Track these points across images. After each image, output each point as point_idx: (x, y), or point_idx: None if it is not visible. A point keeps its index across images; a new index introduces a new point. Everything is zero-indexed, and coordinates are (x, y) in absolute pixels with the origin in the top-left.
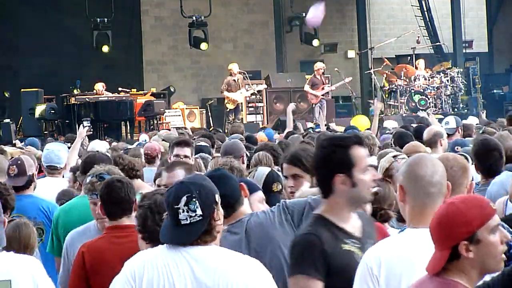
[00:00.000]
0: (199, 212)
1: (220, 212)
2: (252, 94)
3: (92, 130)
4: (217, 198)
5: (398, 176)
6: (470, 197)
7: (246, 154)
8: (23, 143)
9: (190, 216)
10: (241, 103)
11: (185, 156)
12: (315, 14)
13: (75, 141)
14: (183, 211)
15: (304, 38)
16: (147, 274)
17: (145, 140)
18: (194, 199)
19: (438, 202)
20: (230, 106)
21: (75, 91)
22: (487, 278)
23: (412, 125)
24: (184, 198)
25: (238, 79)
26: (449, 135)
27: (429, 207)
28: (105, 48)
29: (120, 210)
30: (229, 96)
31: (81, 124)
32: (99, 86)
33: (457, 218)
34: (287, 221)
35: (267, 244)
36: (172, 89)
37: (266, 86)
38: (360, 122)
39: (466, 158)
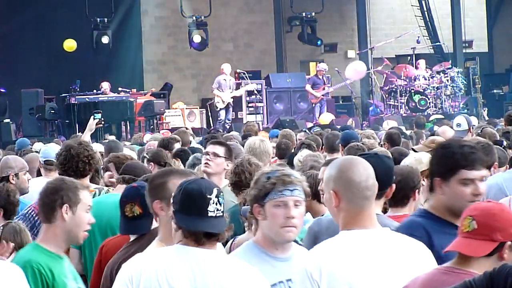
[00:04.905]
0: (223, 207)
1: None
2: (249, 94)
3: (103, 122)
4: None
5: (328, 182)
6: None
7: None
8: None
9: (217, 209)
10: (230, 102)
11: (215, 154)
12: (356, 73)
13: (85, 132)
14: (213, 203)
15: (307, 38)
16: (144, 276)
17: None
18: (221, 193)
19: (373, 204)
20: (220, 105)
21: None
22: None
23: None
24: (215, 190)
25: (230, 80)
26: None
27: (366, 210)
28: (105, 48)
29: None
30: (219, 94)
31: (92, 116)
32: (105, 85)
33: None
34: None
35: None
36: (169, 85)
37: (257, 87)
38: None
39: None
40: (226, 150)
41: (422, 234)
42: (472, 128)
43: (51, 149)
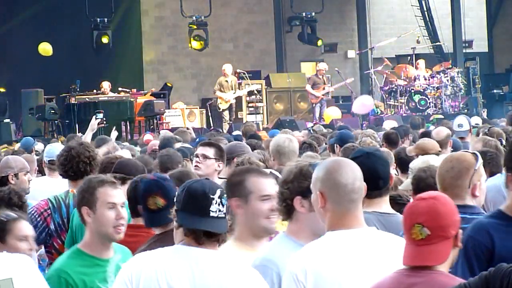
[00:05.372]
0: (226, 208)
1: None
2: (248, 94)
3: (105, 122)
4: None
5: (316, 183)
6: None
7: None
8: (18, 144)
9: (220, 210)
10: (233, 103)
11: (205, 156)
12: (363, 107)
13: (86, 132)
14: (216, 203)
15: (307, 38)
16: (144, 275)
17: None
18: (225, 194)
19: (359, 206)
20: (222, 106)
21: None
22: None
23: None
24: (219, 191)
25: (232, 81)
26: (462, 138)
27: (352, 212)
28: (105, 48)
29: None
30: (221, 96)
31: (94, 116)
32: (105, 85)
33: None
34: None
35: None
36: (169, 85)
37: (258, 87)
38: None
39: (476, 158)
40: (217, 151)
41: (484, 237)
42: (472, 128)
43: (56, 149)
